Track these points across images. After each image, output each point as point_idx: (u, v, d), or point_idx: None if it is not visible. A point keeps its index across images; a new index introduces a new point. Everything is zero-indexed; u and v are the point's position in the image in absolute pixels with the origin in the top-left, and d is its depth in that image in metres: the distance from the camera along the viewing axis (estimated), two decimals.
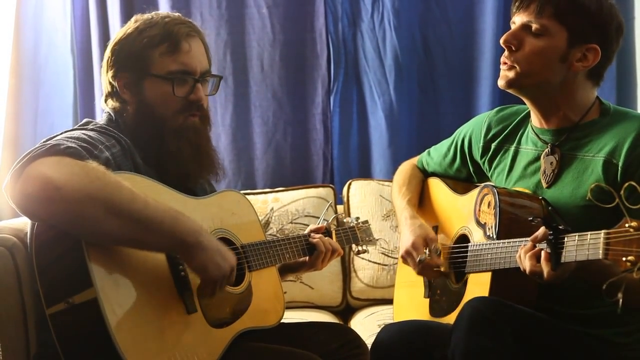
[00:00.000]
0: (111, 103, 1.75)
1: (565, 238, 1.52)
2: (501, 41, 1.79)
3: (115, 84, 1.73)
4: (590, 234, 1.46)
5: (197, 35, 1.77)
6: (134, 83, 1.71)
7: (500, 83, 1.82)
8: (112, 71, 1.73)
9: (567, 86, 1.78)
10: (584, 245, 1.47)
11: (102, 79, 1.77)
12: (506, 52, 1.79)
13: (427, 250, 1.98)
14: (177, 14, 1.79)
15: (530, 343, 1.63)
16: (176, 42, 1.71)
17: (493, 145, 2.00)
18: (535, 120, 1.88)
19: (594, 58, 1.74)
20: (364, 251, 2.27)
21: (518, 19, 1.78)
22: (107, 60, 1.74)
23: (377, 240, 2.74)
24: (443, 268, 1.99)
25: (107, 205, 1.38)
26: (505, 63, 1.80)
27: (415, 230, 2.03)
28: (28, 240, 1.58)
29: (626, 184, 1.38)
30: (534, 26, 1.74)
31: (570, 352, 1.70)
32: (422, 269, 1.99)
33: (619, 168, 1.69)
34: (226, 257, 1.55)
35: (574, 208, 1.75)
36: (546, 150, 1.83)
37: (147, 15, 1.76)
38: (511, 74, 1.79)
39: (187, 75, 1.72)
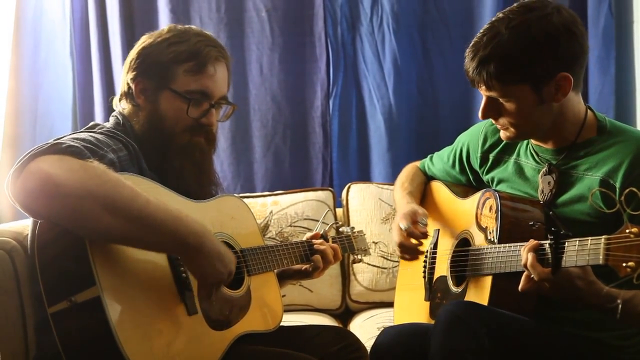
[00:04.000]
0: (124, 104, 1.76)
1: (566, 243, 1.53)
2: (479, 117, 1.80)
3: (133, 86, 1.73)
4: (591, 239, 1.47)
5: (224, 60, 1.77)
6: (151, 91, 1.72)
7: (505, 139, 1.86)
8: (132, 73, 1.73)
9: (559, 116, 1.76)
10: (585, 250, 1.48)
11: (122, 78, 1.77)
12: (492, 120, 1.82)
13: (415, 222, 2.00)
14: (209, 33, 1.79)
15: (509, 344, 1.65)
16: (203, 63, 1.72)
17: (491, 156, 2.00)
18: (533, 140, 1.89)
19: (568, 83, 1.69)
20: (359, 260, 2.28)
21: (479, 89, 1.78)
22: (131, 62, 1.74)
23: (376, 244, 2.76)
24: (427, 239, 2.00)
25: (105, 202, 1.38)
26: (498, 125, 1.82)
27: (405, 208, 2.06)
28: (29, 240, 1.58)
29: (627, 190, 1.38)
30: (498, 98, 1.74)
31: (560, 353, 1.71)
32: (405, 246, 2.00)
33: (617, 189, 1.68)
34: (225, 262, 1.54)
35: (572, 223, 1.74)
36: (544, 169, 1.83)
37: (180, 28, 1.76)
38: (510, 133, 1.81)
39: (205, 98, 1.73)
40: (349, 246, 2.20)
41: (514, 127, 1.77)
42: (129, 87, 1.74)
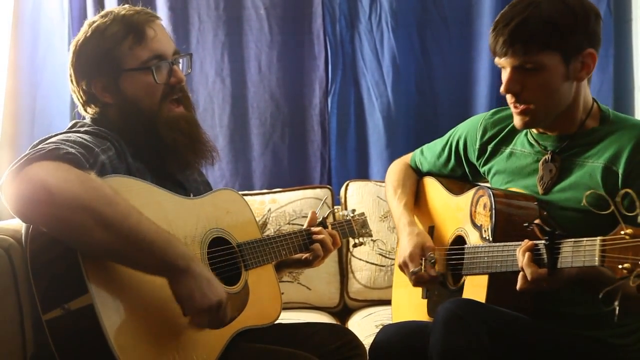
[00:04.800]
0: (90, 110, 1.73)
1: (562, 243, 1.53)
2: (502, 91, 1.77)
3: (92, 90, 1.70)
4: (586, 240, 1.47)
5: (156, 19, 1.74)
6: (111, 84, 1.69)
7: (519, 126, 1.81)
8: (84, 80, 1.70)
9: (575, 98, 1.78)
10: (580, 252, 1.48)
11: (74, 90, 1.73)
12: (510, 98, 1.78)
13: (423, 259, 1.98)
14: (127, 5, 1.75)
15: (509, 342, 1.65)
16: (140, 31, 1.68)
17: (489, 148, 2.00)
18: (540, 128, 1.88)
19: (593, 61, 1.74)
20: (361, 244, 2.25)
21: (506, 62, 1.74)
22: (74, 70, 1.71)
23: (375, 241, 2.76)
24: (438, 268, 1.98)
25: (97, 217, 1.37)
26: (516, 107, 1.78)
27: (412, 240, 2.03)
28: (23, 244, 1.57)
29: (622, 191, 1.38)
30: (528, 65, 1.71)
31: (559, 352, 1.71)
32: (416, 280, 1.99)
33: (620, 175, 1.69)
34: (215, 289, 1.50)
35: (572, 212, 1.75)
36: (546, 157, 1.83)
37: (99, 16, 1.72)
38: (528, 117, 1.77)
39: (162, 60, 1.70)
40: (349, 230, 2.18)
41: (536, 102, 1.75)
42: (88, 93, 1.70)
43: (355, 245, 2.26)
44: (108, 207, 1.39)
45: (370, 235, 2.29)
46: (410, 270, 1.98)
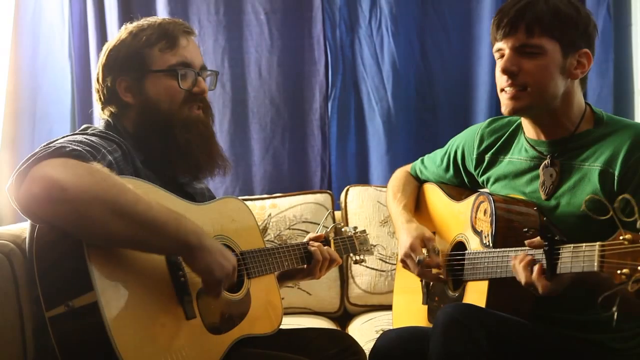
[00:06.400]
0: (109, 109, 1.76)
1: (561, 249, 1.53)
2: (500, 70, 1.78)
3: (116, 88, 1.74)
4: (585, 246, 1.47)
5: (191, 33, 1.81)
6: (135, 84, 1.73)
7: (507, 110, 1.80)
8: (110, 77, 1.74)
9: (568, 96, 1.79)
10: (579, 257, 1.48)
11: (98, 87, 1.78)
12: (506, 80, 1.78)
13: (426, 250, 1.98)
14: (167, 17, 1.83)
15: (508, 347, 1.66)
16: (174, 38, 1.75)
17: (487, 157, 2.01)
18: (530, 132, 1.89)
19: (589, 62, 1.78)
20: (362, 261, 2.27)
21: (505, 45, 1.77)
22: (103, 68, 1.76)
23: (375, 246, 2.76)
24: (442, 270, 1.98)
25: (112, 207, 1.39)
26: (503, 90, 1.79)
27: (411, 233, 2.03)
28: (27, 244, 1.58)
29: (620, 197, 1.38)
30: (529, 47, 1.74)
31: (559, 357, 1.72)
32: (422, 270, 1.98)
33: (616, 177, 1.70)
34: (227, 257, 1.56)
35: (572, 217, 1.76)
36: (545, 162, 1.84)
37: (135, 23, 1.79)
38: (519, 102, 1.77)
39: (189, 68, 1.76)
40: (350, 247, 2.19)
41: (532, 85, 1.76)
42: (111, 91, 1.75)
43: (356, 262, 2.28)
44: (121, 195, 1.41)
45: (372, 253, 2.31)
46: (416, 259, 1.97)
